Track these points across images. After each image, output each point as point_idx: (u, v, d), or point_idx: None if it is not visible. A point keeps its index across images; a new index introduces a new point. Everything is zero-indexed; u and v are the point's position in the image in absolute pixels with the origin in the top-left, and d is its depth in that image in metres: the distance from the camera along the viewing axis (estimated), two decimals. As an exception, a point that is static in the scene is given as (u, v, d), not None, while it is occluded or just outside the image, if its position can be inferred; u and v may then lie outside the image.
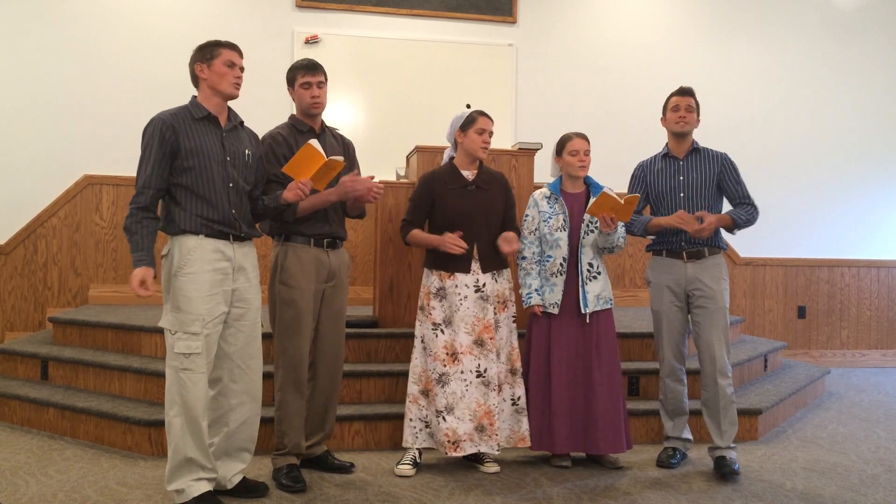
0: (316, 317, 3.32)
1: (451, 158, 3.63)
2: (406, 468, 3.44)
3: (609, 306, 3.62)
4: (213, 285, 2.88)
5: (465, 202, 3.52)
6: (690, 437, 3.75)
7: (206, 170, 2.91)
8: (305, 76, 3.30)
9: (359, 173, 3.42)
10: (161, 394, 3.95)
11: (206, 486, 2.89)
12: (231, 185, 2.97)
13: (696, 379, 3.87)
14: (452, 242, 3.44)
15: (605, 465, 3.62)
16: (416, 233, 3.56)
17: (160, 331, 4.28)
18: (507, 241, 3.53)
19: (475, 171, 3.59)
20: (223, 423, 3.01)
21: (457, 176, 3.57)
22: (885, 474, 3.60)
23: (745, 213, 3.59)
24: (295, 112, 3.43)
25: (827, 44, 7.00)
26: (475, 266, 3.52)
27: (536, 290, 3.59)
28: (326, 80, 3.36)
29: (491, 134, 3.57)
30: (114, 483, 3.27)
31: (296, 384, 3.27)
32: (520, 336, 3.73)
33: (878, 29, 7.09)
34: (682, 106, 3.63)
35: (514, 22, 6.51)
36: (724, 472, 3.45)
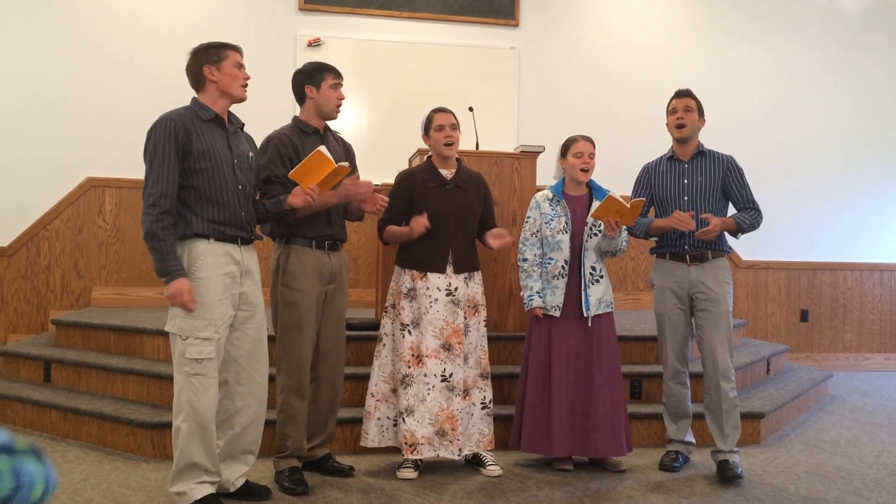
0: (318, 319, 3.32)
1: (429, 157, 3.62)
2: (408, 471, 3.44)
3: (610, 310, 3.62)
4: (223, 289, 2.87)
5: (442, 202, 3.47)
6: (693, 440, 3.74)
7: (217, 172, 2.88)
8: (337, 78, 3.37)
9: (357, 175, 3.44)
10: (163, 396, 3.96)
11: (208, 489, 2.89)
12: (240, 187, 2.96)
13: (700, 382, 3.87)
14: (416, 223, 3.35)
15: (607, 469, 3.61)
16: (390, 228, 3.51)
17: (163, 333, 4.28)
18: (495, 237, 3.50)
19: (453, 171, 3.56)
20: (228, 425, 3.01)
21: (435, 174, 3.53)
22: (888, 478, 3.59)
23: (750, 217, 3.58)
24: (299, 114, 3.41)
25: (828, 45, 7.00)
26: (449, 268, 3.48)
27: (538, 292, 3.58)
28: None
29: (453, 126, 3.51)
30: (116, 485, 3.27)
31: (299, 386, 3.28)
32: (520, 339, 3.72)
33: (880, 30, 7.09)
34: (679, 108, 3.63)
35: (516, 25, 6.51)
36: (726, 476, 3.44)
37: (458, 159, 3.61)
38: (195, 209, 2.86)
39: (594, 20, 6.68)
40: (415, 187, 3.49)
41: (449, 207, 3.48)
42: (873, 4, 7.08)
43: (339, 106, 3.38)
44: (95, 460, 3.64)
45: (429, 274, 3.46)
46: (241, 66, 2.97)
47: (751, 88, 6.86)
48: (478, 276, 3.60)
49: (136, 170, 5.50)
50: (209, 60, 2.93)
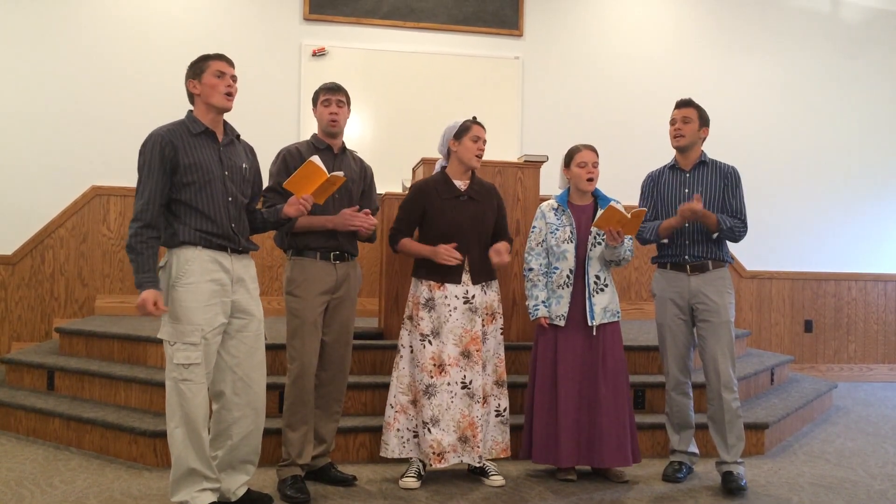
0: (320, 327, 3.35)
1: (443, 168, 3.63)
2: (410, 481, 3.44)
3: (616, 319, 3.61)
4: (210, 296, 2.88)
5: (457, 214, 3.50)
6: (697, 450, 3.73)
7: (205, 185, 2.91)
8: (326, 94, 3.42)
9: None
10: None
11: (210, 497, 2.89)
12: (230, 199, 2.98)
13: (703, 392, 3.86)
14: (447, 253, 3.42)
15: (610, 479, 3.60)
16: (407, 242, 3.55)
17: (166, 341, 4.29)
18: (496, 252, 3.49)
19: (467, 182, 3.59)
20: (226, 436, 3.01)
21: (449, 186, 3.56)
22: (892, 490, 3.57)
23: (731, 221, 3.53)
24: (317, 132, 3.49)
25: (832, 55, 7.02)
26: (465, 277, 3.51)
27: (543, 301, 3.58)
28: (349, 102, 3.47)
29: (484, 142, 3.57)
30: (118, 494, 3.27)
31: (301, 393, 3.30)
32: (526, 349, 3.72)
33: (883, 40, 7.10)
34: (678, 119, 3.62)
35: (520, 35, 6.54)
36: (730, 488, 3.43)
37: (472, 171, 3.64)
38: (184, 219, 2.90)
39: (598, 30, 6.70)
40: (428, 199, 3.52)
41: (463, 219, 3.51)
42: (877, 15, 7.09)
43: (331, 121, 3.40)
44: (98, 468, 3.64)
45: (446, 283, 3.48)
46: (222, 74, 2.96)
47: (754, 98, 6.87)
48: (494, 284, 3.62)
49: (141, 178, 5.52)
50: (192, 75, 2.98)
